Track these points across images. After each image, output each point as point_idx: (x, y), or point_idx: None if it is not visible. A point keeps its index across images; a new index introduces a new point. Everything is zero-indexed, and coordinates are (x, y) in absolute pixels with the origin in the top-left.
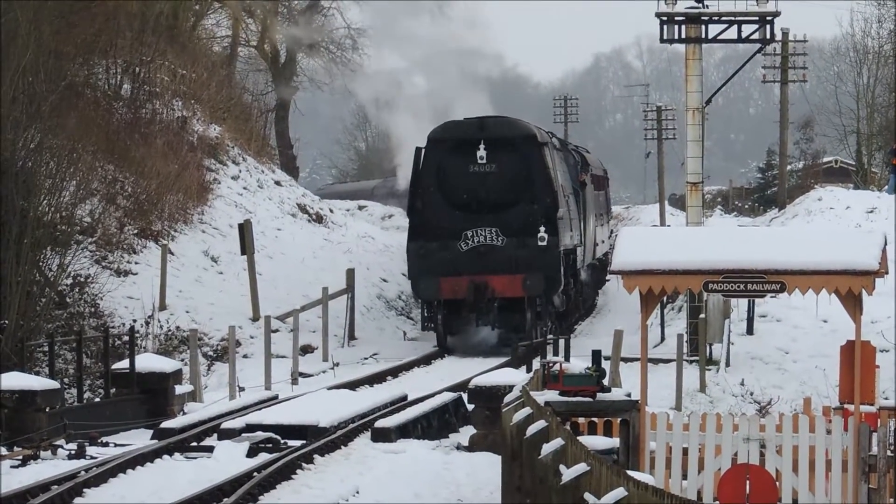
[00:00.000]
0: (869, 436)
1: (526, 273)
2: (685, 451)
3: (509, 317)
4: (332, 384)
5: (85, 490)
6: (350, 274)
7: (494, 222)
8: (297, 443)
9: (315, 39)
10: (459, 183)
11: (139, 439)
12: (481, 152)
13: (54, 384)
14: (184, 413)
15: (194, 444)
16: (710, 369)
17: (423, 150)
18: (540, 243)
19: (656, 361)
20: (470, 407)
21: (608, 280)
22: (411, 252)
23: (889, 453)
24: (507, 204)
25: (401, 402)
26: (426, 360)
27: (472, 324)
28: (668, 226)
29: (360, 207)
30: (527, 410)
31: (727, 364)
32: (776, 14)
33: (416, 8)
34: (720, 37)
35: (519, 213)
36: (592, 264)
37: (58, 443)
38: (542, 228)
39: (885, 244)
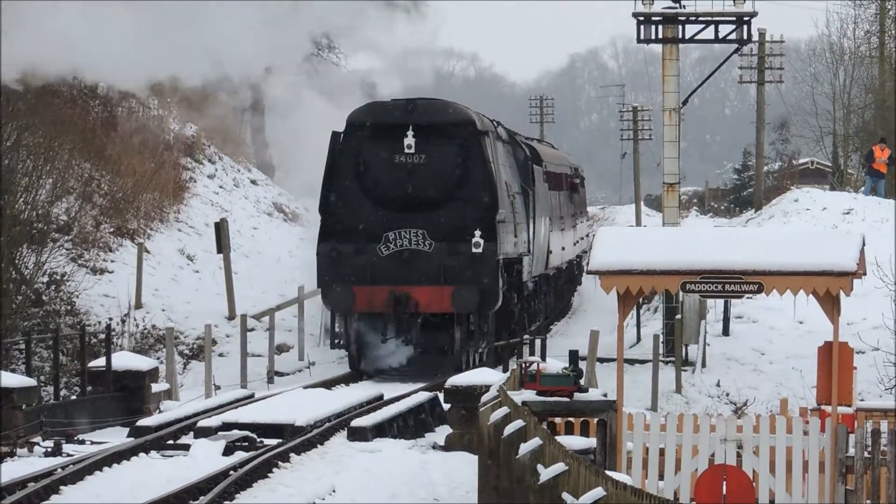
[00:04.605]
0: (846, 437)
1: (456, 285)
2: (662, 452)
3: (435, 336)
4: (307, 383)
5: (62, 488)
6: None
7: (421, 224)
8: (273, 441)
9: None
10: (382, 176)
11: (115, 437)
12: (409, 140)
13: (31, 382)
14: (160, 411)
15: (170, 442)
16: (685, 370)
17: (341, 136)
18: (474, 250)
19: (632, 362)
20: (446, 406)
21: (578, 288)
22: (321, 256)
23: (866, 455)
24: (438, 202)
25: (377, 402)
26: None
27: (391, 343)
28: (645, 226)
29: None
30: (504, 410)
31: (703, 365)
32: (753, 14)
33: (391, 7)
34: (697, 37)
35: (451, 213)
36: (545, 275)
37: (34, 440)
38: (478, 233)
39: (863, 245)
